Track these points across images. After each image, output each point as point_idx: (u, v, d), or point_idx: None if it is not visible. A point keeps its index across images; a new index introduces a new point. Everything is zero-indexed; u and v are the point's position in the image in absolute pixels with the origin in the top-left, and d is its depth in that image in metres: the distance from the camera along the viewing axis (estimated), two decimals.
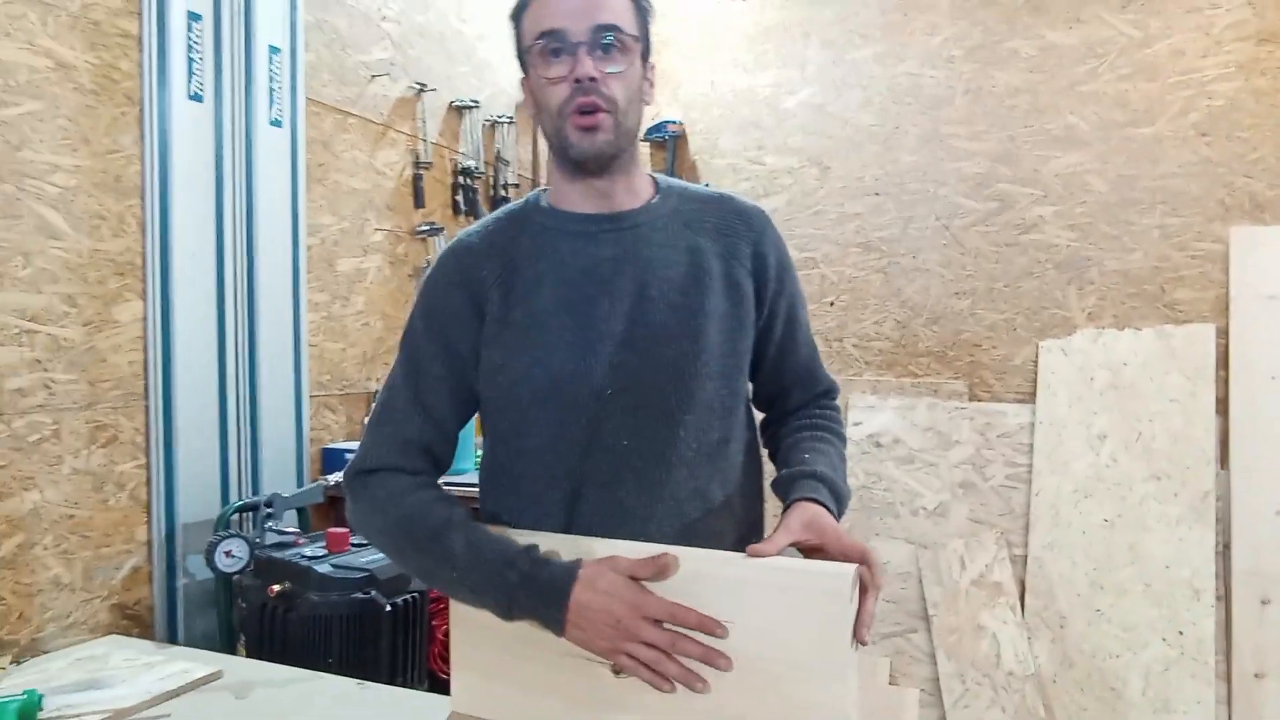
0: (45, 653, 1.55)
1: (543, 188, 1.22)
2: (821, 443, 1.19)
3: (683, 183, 1.25)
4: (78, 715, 1.22)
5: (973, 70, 2.95)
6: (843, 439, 1.24)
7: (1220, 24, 2.66)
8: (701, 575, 0.96)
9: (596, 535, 1.07)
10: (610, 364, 1.10)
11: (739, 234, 1.17)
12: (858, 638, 0.94)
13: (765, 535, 1.19)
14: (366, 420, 1.23)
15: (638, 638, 0.95)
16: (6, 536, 1.63)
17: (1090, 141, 2.81)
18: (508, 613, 1.01)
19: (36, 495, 1.68)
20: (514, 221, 1.19)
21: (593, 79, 1.06)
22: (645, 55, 1.13)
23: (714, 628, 0.94)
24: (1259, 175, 2.63)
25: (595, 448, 1.11)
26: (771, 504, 1.22)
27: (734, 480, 1.17)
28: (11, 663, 1.48)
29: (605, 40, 1.07)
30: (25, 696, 1.18)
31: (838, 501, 1.10)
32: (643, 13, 1.13)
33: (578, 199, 1.16)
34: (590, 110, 1.07)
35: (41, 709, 1.20)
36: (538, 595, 0.99)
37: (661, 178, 1.23)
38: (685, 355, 1.11)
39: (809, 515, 1.04)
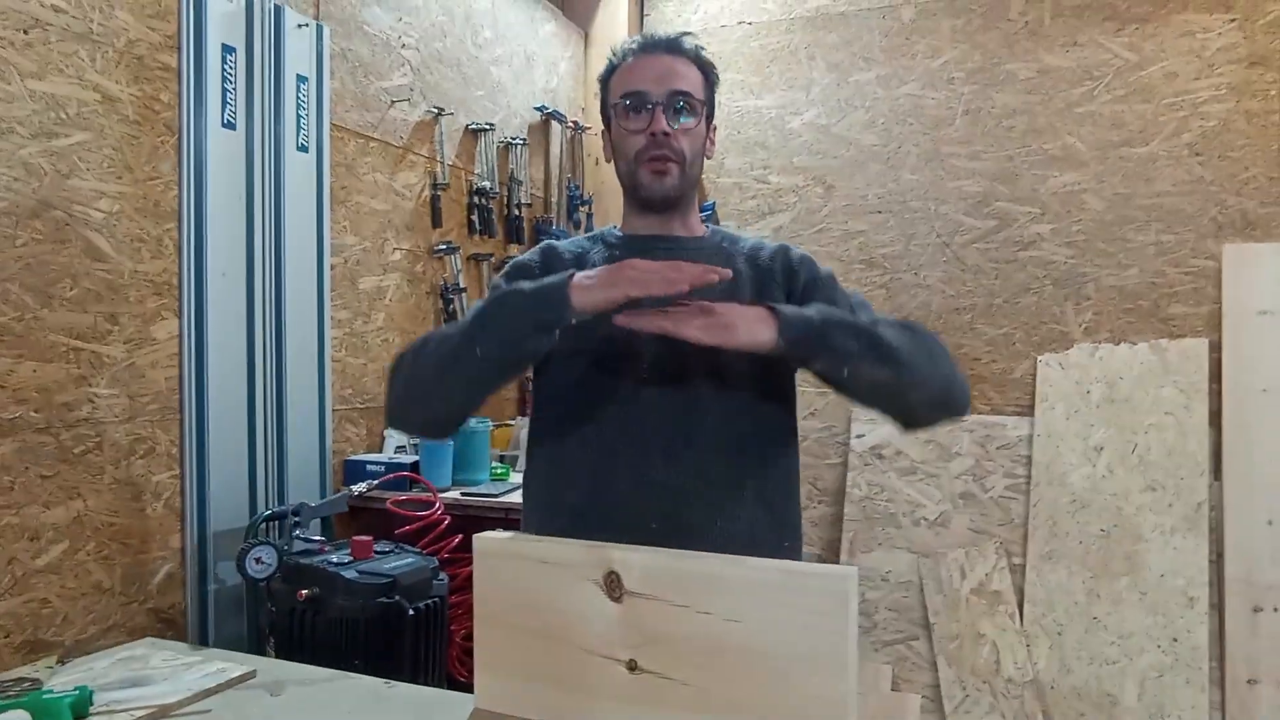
0: (88, 653, 1.63)
1: (614, 225, 1.44)
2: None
3: (728, 229, 1.48)
4: (126, 710, 1.28)
5: (972, 92, 3.03)
6: (909, 328, 1.25)
7: (1212, 47, 2.75)
8: (711, 577, 1.02)
9: (627, 505, 1.21)
10: (651, 357, 1.26)
11: (770, 263, 1.36)
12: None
13: (803, 536, 1.40)
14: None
15: (633, 269, 1.12)
16: (53, 543, 1.73)
17: (1087, 161, 2.89)
18: (527, 322, 1.15)
19: (80, 504, 1.77)
20: (592, 240, 1.41)
21: (666, 134, 1.27)
22: (709, 117, 1.34)
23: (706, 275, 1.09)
24: (1250, 194, 2.70)
25: (631, 426, 1.26)
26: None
27: (770, 476, 1.31)
28: (58, 662, 1.55)
29: (678, 104, 1.29)
30: (78, 693, 1.25)
31: (810, 325, 1.16)
32: (711, 85, 1.35)
33: (642, 227, 1.36)
34: (661, 158, 1.28)
35: (92, 704, 1.26)
36: (544, 289, 1.15)
37: (712, 226, 1.44)
38: (716, 354, 1.24)
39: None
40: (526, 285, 1.18)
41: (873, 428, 2.99)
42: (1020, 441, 2.84)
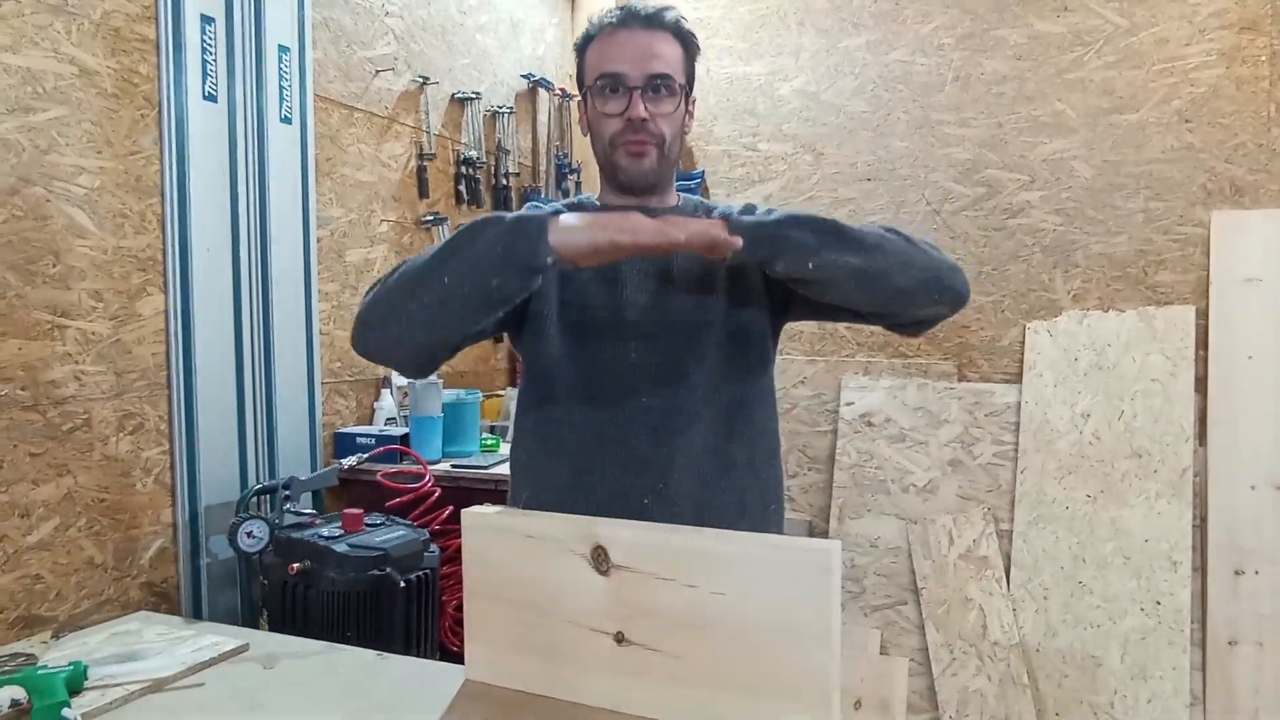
0: (81, 628, 1.64)
1: (592, 194, 1.42)
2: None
3: (701, 199, 1.45)
4: (120, 684, 1.29)
5: (962, 58, 3.01)
6: (883, 232, 1.19)
7: (1203, 12, 2.73)
8: (696, 550, 1.03)
9: (615, 481, 1.22)
10: (633, 331, 1.26)
11: None
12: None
13: (785, 493, 1.41)
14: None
15: (624, 218, 1.08)
16: (44, 520, 1.73)
17: (1076, 128, 2.88)
18: (499, 253, 1.08)
19: (70, 480, 1.78)
20: (571, 207, 1.35)
21: (644, 119, 1.24)
22: (689, 94, 1.31)
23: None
24: (1239, 161, 2.70)
25: (616, 400, 1.26)
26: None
27: (753, 440, 1.31)
28: (52, 637, 1.57)
29: (657, 87, 1.25)
30: (72, 668, 1.26)
31: (763, 224, 1.13)
32: (691, 58, 1.31)
33: (618, 204, 1.32)
34: (639, 142, 1.25)
35: (87, 679, 1.27)
36: (523, 221, 1.09)
37: (685, 195, 1.42)
38: (697, 325, 1.27)
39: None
40: (508, 215, 1.12)
41: (862, 395, 3.00)
42: (1008, 409, 2.85)
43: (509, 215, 1.12)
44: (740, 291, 1.30)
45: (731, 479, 1.28)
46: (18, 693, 1.17)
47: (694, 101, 1.35)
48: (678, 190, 1.41)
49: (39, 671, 1.23)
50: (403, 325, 1.14)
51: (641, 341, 1.27)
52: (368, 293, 1.21)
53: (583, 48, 1.32)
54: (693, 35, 1.32)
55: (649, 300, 1.28)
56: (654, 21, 1.27)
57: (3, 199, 1.65)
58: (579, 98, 1.36)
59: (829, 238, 1.13)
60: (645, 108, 1.24)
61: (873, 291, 1.16)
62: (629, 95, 1.24)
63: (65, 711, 1.16)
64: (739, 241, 1.09)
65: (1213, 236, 2.72)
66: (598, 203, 1.38)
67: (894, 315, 1.25)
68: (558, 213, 1.12)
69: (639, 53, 1.25)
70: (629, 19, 1.28)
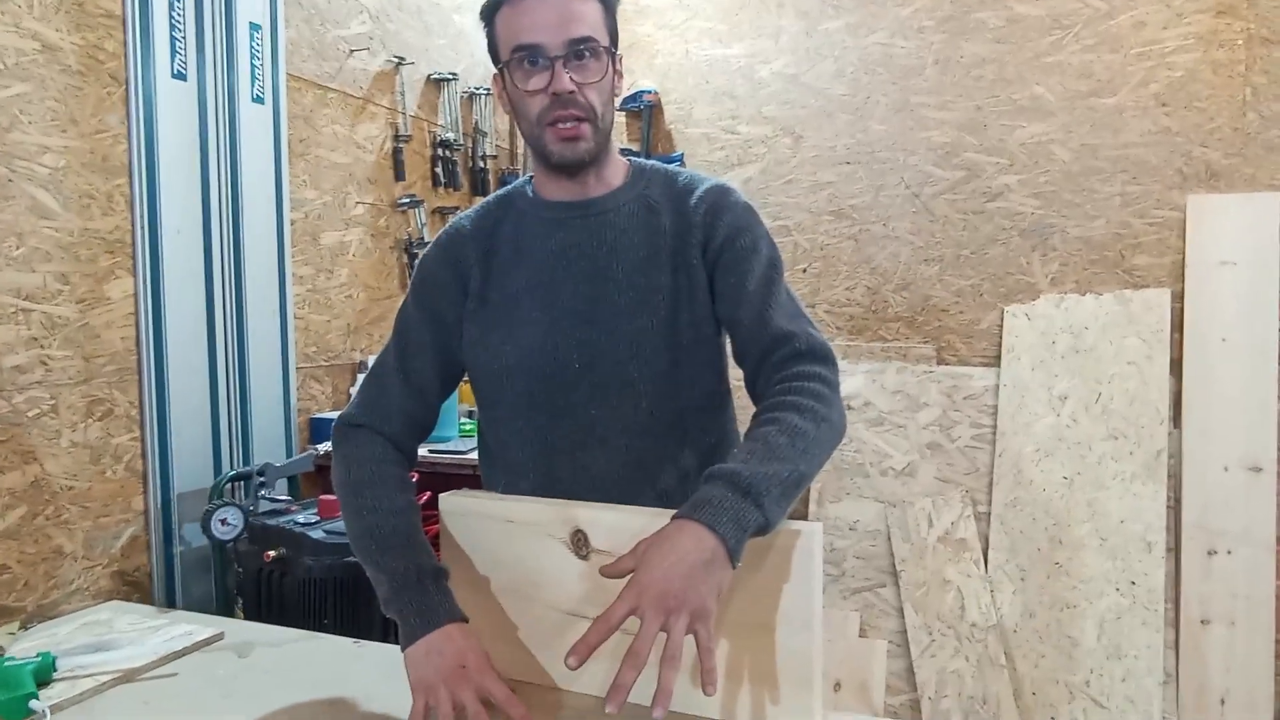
0: (51, 618, 1.62)
1: (529, 175, 1.30)
2: (766, 424, 1.04)
3: (655, 165, 1.30)
4: (91, 675, 1.27)
5: (942, 41, 3.00)
6: (814, 399, 1.07)
7: None
8: None
9: (573, 499, 1.15)
10: (575, 340, 1.20)
11: (692, 213, 1.22)
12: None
13: None
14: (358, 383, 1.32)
15: (442, 694, 0.98)
16: (10, 508, 1.69)
17: (1055, 112, 2.88)
18: (385, 604, 1.07)
19: (37, 468, 1.74)
20: (501, 206, 1.29)
21: (570, 92, 1.12)
22: (614, 52, 1.18)
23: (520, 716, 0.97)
24: (1215, 145, 2.72)
25: (563, 416, 1.21)
26: None
27: (710, 448, 1.26)
28: (20, 628, 1.54)
29: (580, 52, 1.12)
30: (40, 659, 1.23)
31: (740, 485, 0.94)
32: (611, 11, 1.18)
33: (554, 189, 1.24)
34: (569, 121, 1.14)
35: (55, 670, 1.25)
36: (412, 608, 1.04)
37: (636, 161, 1.30)
38: (643, 330, 1.19)
39: (645, 543, 0.94)
40: (427, 580, 1.05)
41: (842, 379, 3.00)
42: (986, 392, 2.87)
43: (398, 568, 1.07)
44: (684, 292, 1.21)
45: (687, 489, 1.10)
46: None
47: (620, 58, 1.21)
48: (630, 158, 1.30)
49: (5, 663, 1.20)
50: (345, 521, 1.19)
51: (582, 347, 1.20)
52: (339, 428, 1.24)
53: (490, 16, 1.18)
54: None
55: (587, 303, 1.20)
56: None
57: None
58: (494, 74, 1.22)
59: (790, 488, 0.98)
60: (570, 78, 1.12)
61: (825, 460, 1.08)
62: (550, 67, 1.11)
63: (33, 704, 1.13)
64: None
65: (1189, 220, 2.73)
66: (533, 190, 1.27)
67: None
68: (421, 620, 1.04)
69: (555, 17, 1.11)
70: None
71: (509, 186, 1.33)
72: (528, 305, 1.22)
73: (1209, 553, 2.58)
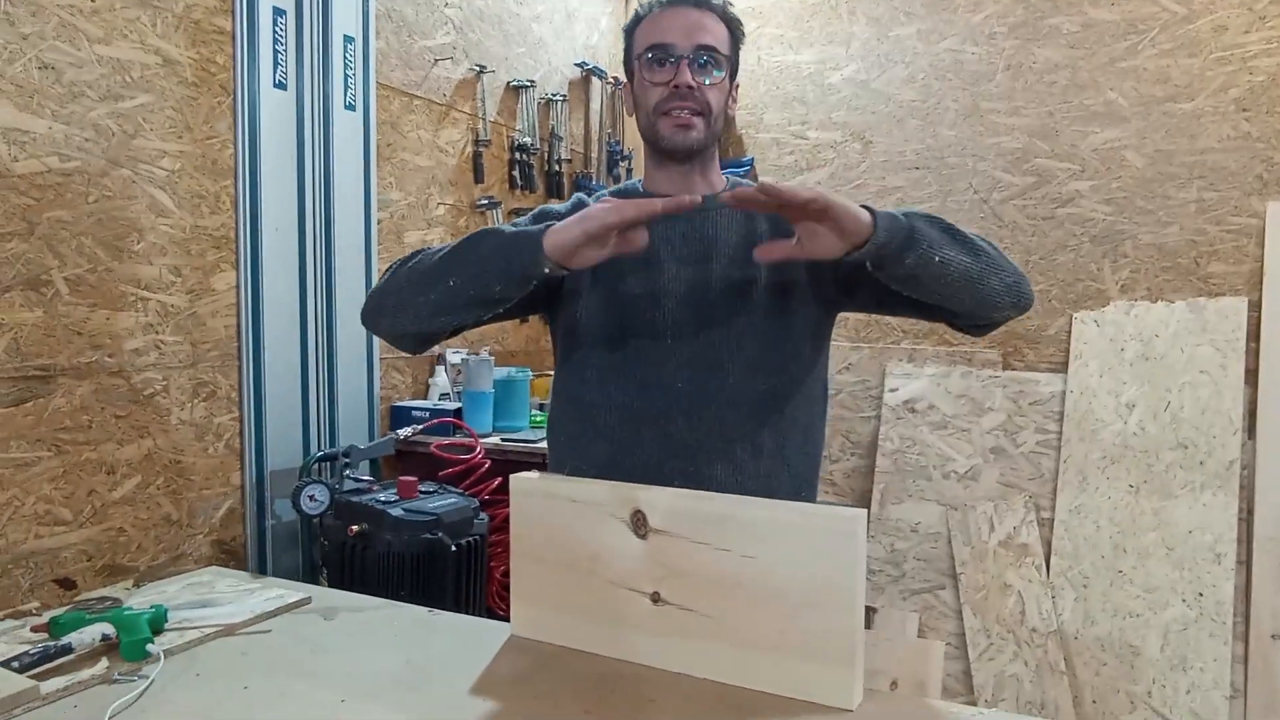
0: (160, 579, 1.76)
1: (639, 179, 1.44)
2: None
3: (748, 182, 1.44)
4: (196, 627, 1.39)
5: (1014, 47, 3.00)
6: (991, 246, 1.19)
7: None
8: (728, 517, 1.09)
9: (649, 462, 1.26)
10: (672, 318, 1.30)
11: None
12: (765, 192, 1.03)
13: (819, 493, 1.40)
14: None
15: (598, 205, 1.11)
16: (127, 477, 1.87)
17: (1129, 117, 2.85)
18: (508, 258, 1.15)
19: (150, 442, 1.91)
20: (616, 194, 1.42)
21: (690, 87, 1.26)
22: (734, 74, 1.33)
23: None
24: None
25: (652, 386, 1.30)
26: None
27: (787, 433, 1.33)
28: (134, 585, 1.68)
29: (704, 59, 1.28)
30: (154, 610, 1.37)
31: (896, 219, 1.09)
32: (736, 42, 1.33)
33: (663, 182, 1.36)
34: (684, 111, 1.27)
35: (167, 620, 1.38)
36: (520, 236, 1.15)
37: (731, 177, 1.43)
38: (735, 316, 1.30)
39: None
40: (508, 228, 1.18)
41: (906, 382, 3.03)
42: (1053, 398, 2.86)
43: (508, 229, 1.18)
44: (781, 280, 1.31)
45: (760, 465, 1.29)
46: (108, 629, 1.28)
47: (737, 87, 1.37)
48: (725, 174, 1.42)
49: (125, 613, 1.34)
50: (409, 316, 1.25)
51: (677, 326, 1.30)
52: (385, 273, 1.32)
53: (631, 29, 1.35)
54: (739, 21, 1.35)
55: (686, 287, 1.30)
56: (702, 2, 1.31)
57: (95, 180, 1.77)
58: (624, 83, 1.40)
59: (947, 236, 1.12)
60: (692, 77, 1.26)
61: (975, 292, 1.15)
62: (677, 64, 1.27)
63: (149, 647, 1.26)
64: (826, 202, 1.04)
65: (1268, 227, 2.68)
66: (641, 188, 1.41)
67: (976, 316, 1.22)
68: (549, 224, 1.15)
69: (688, 26, 1.28)
70: (678, 0, 1.31)
71: (621, 184, 1.48)
72: (633, 281, 1.32)
73: None
